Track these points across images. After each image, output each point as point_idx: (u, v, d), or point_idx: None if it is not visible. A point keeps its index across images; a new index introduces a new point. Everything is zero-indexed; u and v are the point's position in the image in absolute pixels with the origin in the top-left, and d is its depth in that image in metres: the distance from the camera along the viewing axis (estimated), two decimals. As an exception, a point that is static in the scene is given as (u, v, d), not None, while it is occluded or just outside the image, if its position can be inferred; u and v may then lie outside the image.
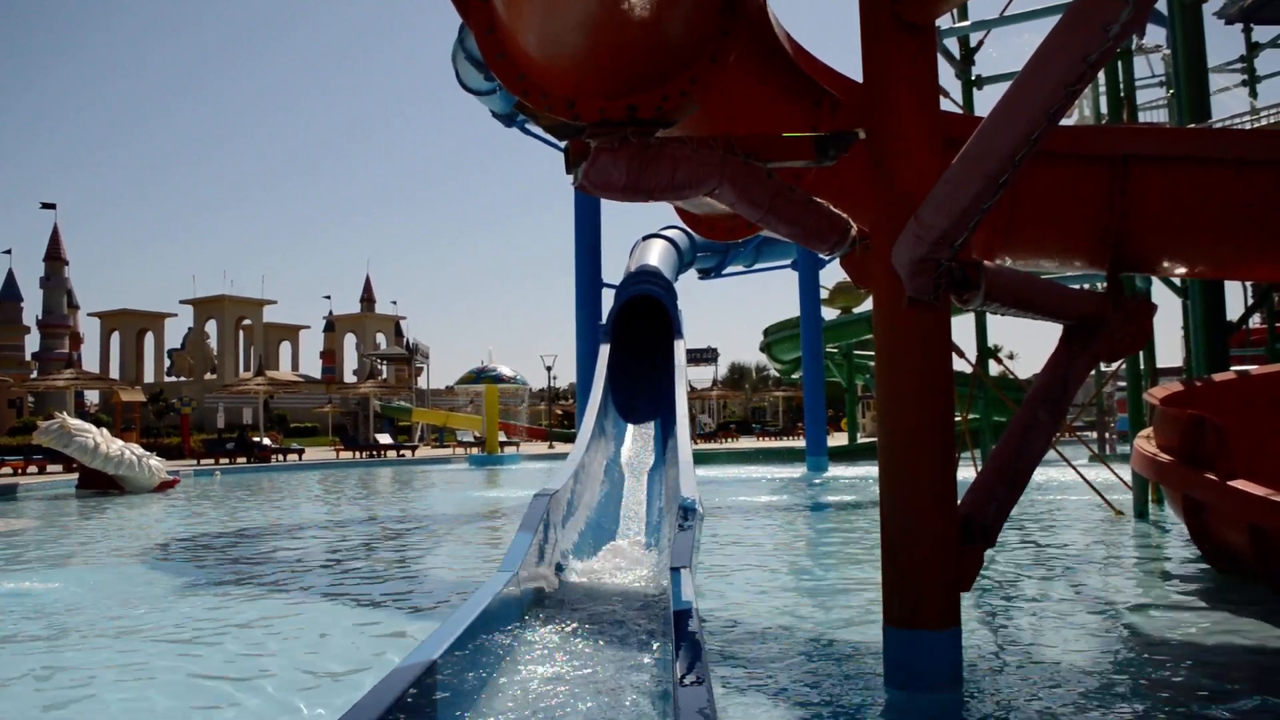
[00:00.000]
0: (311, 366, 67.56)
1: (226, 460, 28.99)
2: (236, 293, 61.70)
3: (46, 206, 53.89)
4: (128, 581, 7.59)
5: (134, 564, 8.74)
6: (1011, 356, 66.72)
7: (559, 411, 58.53)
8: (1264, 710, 3.91)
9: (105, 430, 18.87)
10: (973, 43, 15.92)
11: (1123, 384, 18.70)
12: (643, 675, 4.11)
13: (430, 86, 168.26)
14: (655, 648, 4.50)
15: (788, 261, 22.17)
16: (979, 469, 5.14)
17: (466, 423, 41.15)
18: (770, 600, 6.44)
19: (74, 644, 5.38)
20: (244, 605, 6.48)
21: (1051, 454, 8.18)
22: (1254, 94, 18.77)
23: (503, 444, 33.92)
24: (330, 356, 65.26)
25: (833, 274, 41.13)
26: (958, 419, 8.15)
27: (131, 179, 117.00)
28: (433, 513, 13.67)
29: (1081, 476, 11.77)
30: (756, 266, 22.75)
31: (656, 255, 15.51)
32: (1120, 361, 12.87)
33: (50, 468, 24.39)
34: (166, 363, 61.08)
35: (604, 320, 13.04)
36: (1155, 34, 16.30)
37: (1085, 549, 8.48)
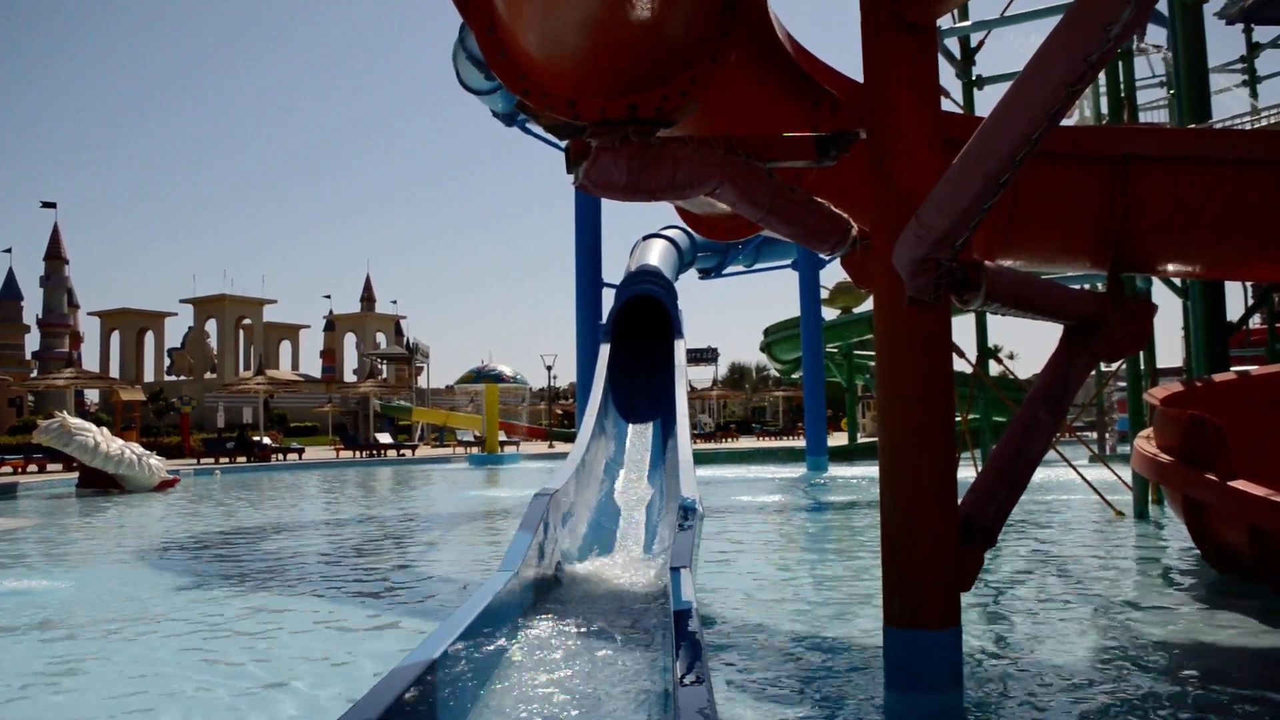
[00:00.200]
0: (311, 366, 67.59)
1: (226, 459, 28.99)
2: (237, 292, 61.75)
3: (47, 205, 53.96)
4: (127, 580, 7.59)
5: (134, 563, 8.74)
6: (1012, 357, 66.73)
7: (559, 411, 58.53)
8: (1264, 710, 3.91)
9: (105, 429, 18.88)
10: (973, 43, 15.92)
11: (1123, 384, 18.70)
12: (642, 675, 4.11)
13: (430, 86, 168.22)
14: (655, 647, 4.50)
15: (788, 261, 22.18)
16: (979, 469, 5.14)
17: (466, 422, 41.14)
18: (770, 600, 6.44)
19: (73, 642, 5.39)
20: (243, 604, 6.48)
21: (1052, 454, 8.18)
22: (1254, 94, 18.78)
23: (503, 443, 33.91)
24: (330, 356, 65.27)
25: (833, 274, 41.12)
26: (958, 419, 8.15)
27: (131, 178, 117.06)
28: (432, 512, 13.67)
29: (1082, 477, 11.77)
30: (757, 266, 22.76)
31: (657, 255, 15.51)
32: (1120, 362, 12.87)
33: (50, 466, 24.39)
34: (166, 362, 61.08)
35: (604, 320, 13.04)
36: (1156, 34, 16.33)
37: (1085, 549, 8.48)
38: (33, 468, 24.49)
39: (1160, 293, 10.98)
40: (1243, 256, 5.35)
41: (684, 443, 8.53)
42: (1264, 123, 10.93)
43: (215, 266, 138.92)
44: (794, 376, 37.68)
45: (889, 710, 3.88)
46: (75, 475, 18.81)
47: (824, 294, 29.59)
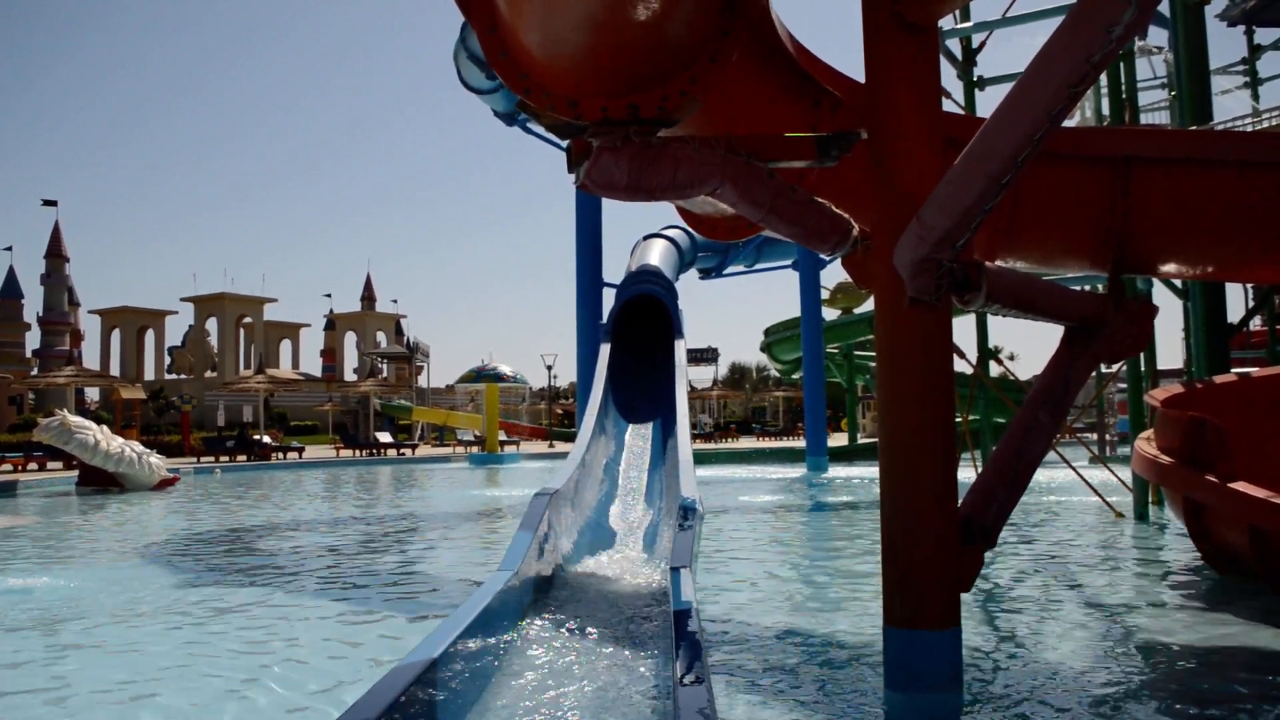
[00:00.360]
0: (312, 365, 67.57)
1: (226, 458, 28.99)
2: (237, 291, 61.73)
3: (48, 204, 53.87)
4: (127, 579, 7.59)
5: (134, 561, 8.74)
6: (1012, 358, 66.71)
7: (559, 411, 58.53)
8: (1264, 710, 3.91)
9: (105, 427, 18.88)
10: (975, 44, 15.90)
11: (1123, 385, 18.70)
12: (642, 675, 4.11)
13: (431, 86, 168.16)
14: (654, 647, 4.50)
15: (789, 261, 22.18)
16: (979, 470, 5.14)
17: (467, 421, 41.13)
18: (770, 600, 6.44)
19: (73, 641, 5.39)
20: (243, 603, 6.48)
21: (1052, 455, 8.18)
22: (1256, 96, 18.76)
23: (503, 443, 33.91)
24: (331, 355, 65.25)
25: (834, 274, 41.17)
26: (958, 420, 8.15)
27: (132, 178, 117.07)
28: (432, 511, 13.68)
29: (1082, 478, 11.77)
30: (757, 266, 22.76)
31: (657, 255, 15.52)
32: (1121, 363, 12.86)
33: (50, 465, 24.40)
34: (167, 360, 61.09)
35: (605, 319, 13.04)
36: (1157, 36, 16.31)
37: (1085, 550, 8.48)
38: (33, 466, 24.51)
39: (1161, 294, 10.99)
40: (1244, 258, 5.35)
41: (684, 442, 8.53)
42: (1265, 124, 10.93)
43: (216, 265, 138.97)
44: (794, 377, 37.70)
45: (889, 710, 3.88)
46: (75, 473, 18.82)
47: (824, 294, 29.61)
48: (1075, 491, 12.86)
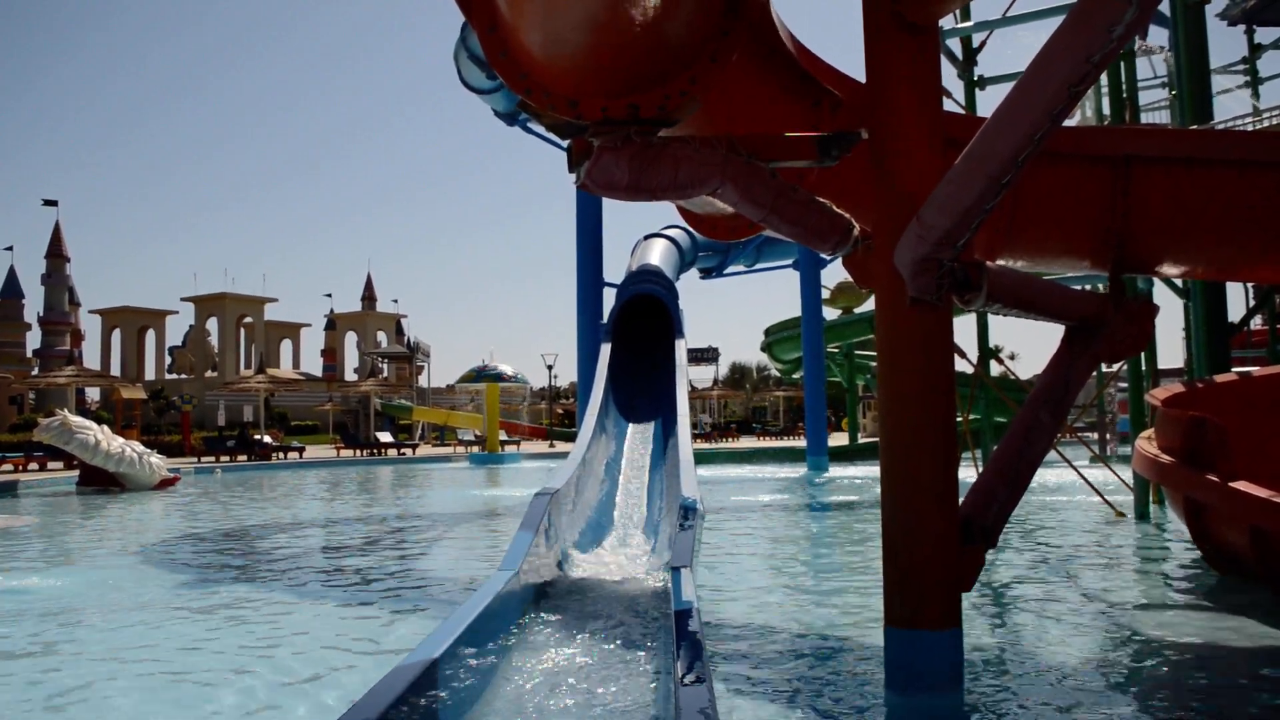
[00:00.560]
0: (312, 364, 67.60)
1: (227, 458, 28.99)
2: (238, 290, 61.74)
3: (48, 203, 53.83)
4: (128, 578, 7.59)
5: (134, 561, 8.74)
6: (1013, 357, 66.67)
7: (560, 410, 58.54)
8: (1264, 710, 3.91)
9: (106, 427, 18.88)
10: (975, 43, 15.90)
11: (1124, 385, 18.68)
12: (642, 675, 4.11)
13: (431, 86, 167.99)
14: (655, 647, 4.50)
15: (789, 261, 22.17)
16: (980, 470, 5.14)
17: (467, 421, 41.15)
18: (771, 600, 6.44)
19: (74, 640, 5.39)
20: (243, 602, 6.48)
21: (1053, 455, 8.18)
22: (1256, 95, 18.74)
23: (503, 443, 33.91)
24: (331, 354, 65.25)
25: (834, 274, 41.10)
26: (959, 419, 8.15)
27: (132, 177, 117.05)
28: (433, 511, 13.67)
29: (1082, 477, 11.76)
30: (758, 266, 22.77)
31: (658, 254, 15.52)
32: (1122, 363, 12.86)
33: (51, 465, 24.41)
34: (167, 360, 61.10)
35: (605, 319, 13.05)
36: (1158, 35, 16.29)
37: (1086, 550, 8.48)
38: (33, 466, 24.51)
39: (1161, 294, 10.98)
40: (1244, 258, 5.35)
41: (684, 442, 8.54)
42: (1266, 124, 10.92)
43: (216, 265, 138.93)
44: (795, 376, 37.68)
45: (889, 710, 3.88)
46: (76, 473, 18.81)
47: (825, 294, 29.57)
48: (1076, 491, 12.86)
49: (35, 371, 50.21)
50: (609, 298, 15.25)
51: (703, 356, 57.89)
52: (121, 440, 18.21)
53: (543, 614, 5.19)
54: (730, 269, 22.00)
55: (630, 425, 10.57)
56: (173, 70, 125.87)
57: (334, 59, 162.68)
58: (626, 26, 3.68)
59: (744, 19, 4.00)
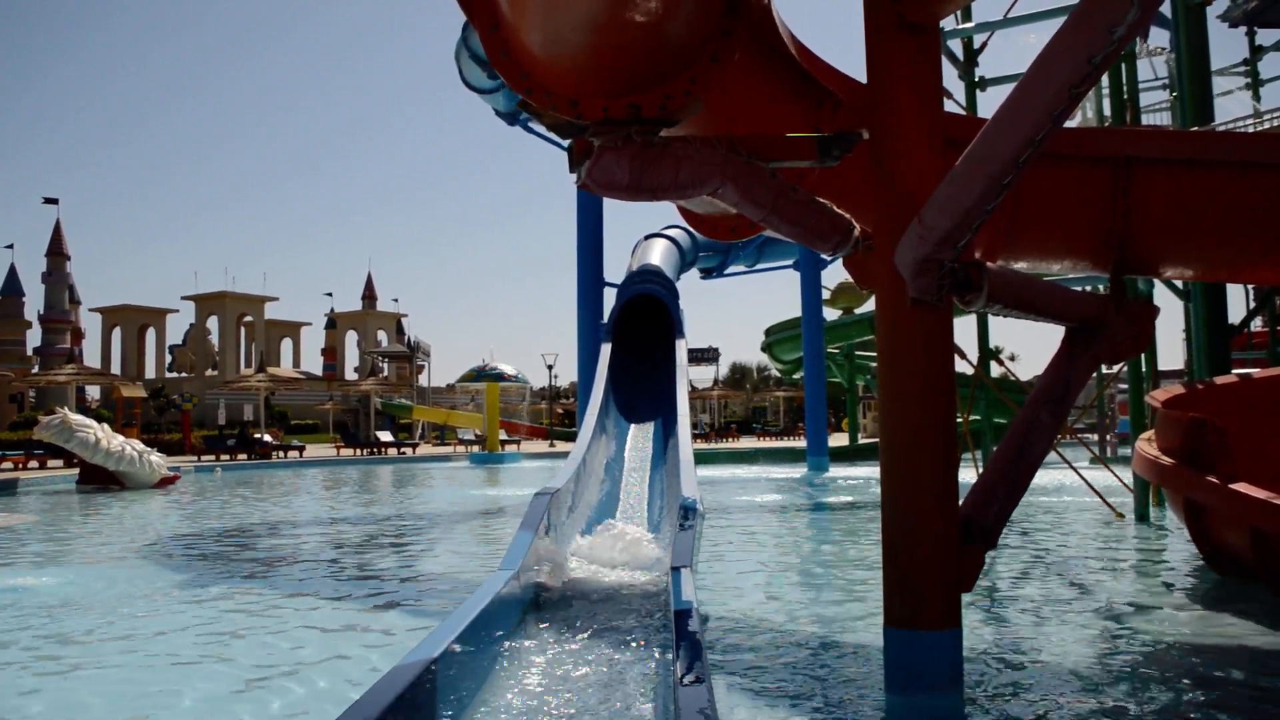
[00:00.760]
0: (313, 363, 67.67)
1: (227, 457, 29.01)
2: (238, 289, 61.78)
3: (49, 202, 53.83)
4: (127, 577, 7.59)
5: (134, 560, 8.74)
6: (1013, 358, 66.76)
7: (560, 410, 58.56)
8: (1264, 710, 3.91)
9: (106, 426, 18.89)
10: (976, 44, 15.89)
11: (1124, 386, 18.68)
12: (642, 674, 4.11)
13: (431, 86, 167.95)
14: (655, 647, 4.50)
15: (790, 261, 22.17)
16: (980, 470, 5.14)
17: (467, 421, 41.17)
18: (771, 600, 6.44)
19: (73, 639, 5.38)
20: (243, 602, 6.48)
21: (1053, 456, 8.17)
22: (1257, 97, 18.73)
23: (503, 442, 33.92)
24: (331, 354, 65.28)
25: (834, 274, 41.07)
26: (959, 420, 8.15)
27: (133, 177, 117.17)
28: (433, 511, 13.67)
29: (1082, 478, 11.76)
30: (758, 266, 22.76)
31: (658, 255, 15.52)
32: (1122, 364, 12.86)
33: (51, 463, 24.42)
34: (168, 359, 61.12)
35: (605, 319, 13.05)
36: (1159, 36, 16.30)
37: (1086, 551, 8.48)
38: (33, 464, 24.52)
39: (1162, 295, 10.98)
40: (1245, 259, 5.34)
41: (685, 442, 8.54)
42: (1267, 125, 10.91)
43: (217, 264, 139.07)
44: (795, 377, 37.67)
45: (889, 710, 3.88)
46: (76, 472, 18.82)
47: (825, 294, 29.57)
48: (1076, 492, 12.85)
49: (35, 369, 50.23)
50: (609, 298, 15.25)
51: (703, 357, 57.89)
52: (121, 439, 18.22)
53: (542, 613, 5.19)
54: (731, 269, 22.00)
55: (631, 425, 10.57)
56: (173, 70, 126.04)
57: (334, 59, 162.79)
58: (627, 26, 3.68)
59: (744, 19, 4.00)
